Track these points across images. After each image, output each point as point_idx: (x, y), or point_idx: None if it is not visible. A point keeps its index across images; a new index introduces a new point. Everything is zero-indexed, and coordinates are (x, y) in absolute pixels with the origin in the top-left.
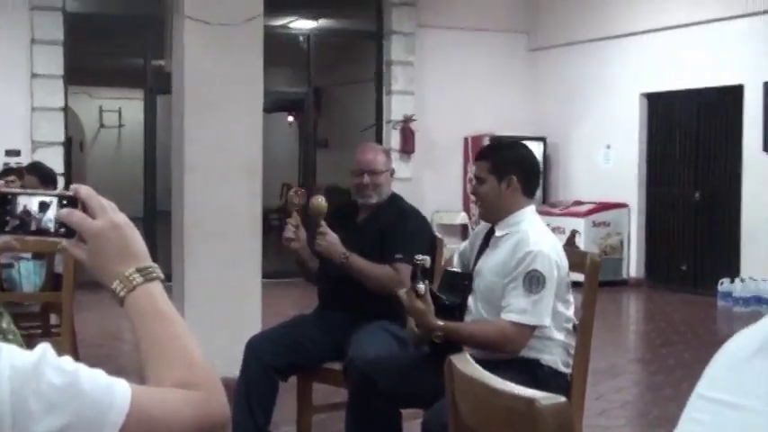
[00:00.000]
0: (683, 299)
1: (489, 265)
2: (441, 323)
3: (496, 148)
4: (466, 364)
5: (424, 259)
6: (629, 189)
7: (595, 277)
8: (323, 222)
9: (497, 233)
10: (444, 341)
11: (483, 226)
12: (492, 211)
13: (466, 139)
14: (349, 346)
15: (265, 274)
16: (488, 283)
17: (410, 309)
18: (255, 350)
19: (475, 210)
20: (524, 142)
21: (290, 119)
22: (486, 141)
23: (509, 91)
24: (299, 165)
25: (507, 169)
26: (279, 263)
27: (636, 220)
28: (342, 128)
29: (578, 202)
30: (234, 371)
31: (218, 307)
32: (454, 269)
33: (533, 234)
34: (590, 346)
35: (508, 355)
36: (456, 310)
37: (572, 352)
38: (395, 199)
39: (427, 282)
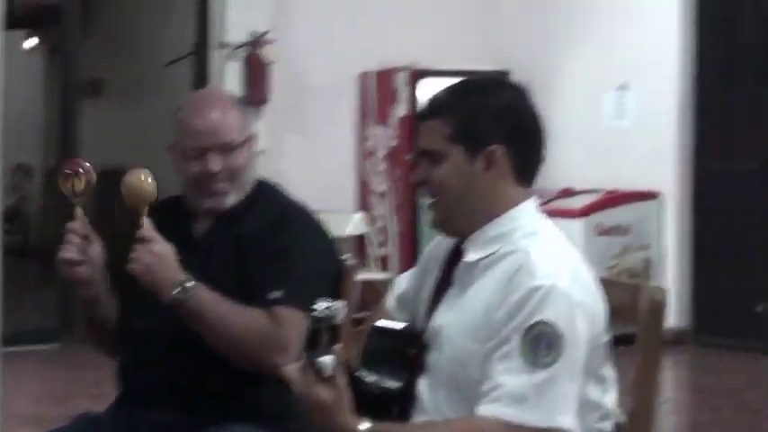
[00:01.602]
0: (760, 364)
1: (457, 318)
2: (365, 426)
3: (461, 94)
4: None
5: (332, 308)
6: (662, 166)
7: (657, 330)
8: (145, 220)
9: (469, 256)
10: None
11: (440, 243)
12: (456, 216)
13: (363, 77)
14: None
15: (18, 338)
16: (456, 351)
17: (307, 401)
18: None
19: (383, 207)
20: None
21: (31, 43)
22: (402, 79)
23: None
24: (45, 129)
25: (485, 134)
26: (30, 317)
27: (675, 224)
28: (129, 60)
29: (569, 192)
30: None
31: None
32: (388, 325)
33: (539, 254)
34: None
35: None
36: (395, 403)
37: None
38: (263, 190)
39: (337, 350)
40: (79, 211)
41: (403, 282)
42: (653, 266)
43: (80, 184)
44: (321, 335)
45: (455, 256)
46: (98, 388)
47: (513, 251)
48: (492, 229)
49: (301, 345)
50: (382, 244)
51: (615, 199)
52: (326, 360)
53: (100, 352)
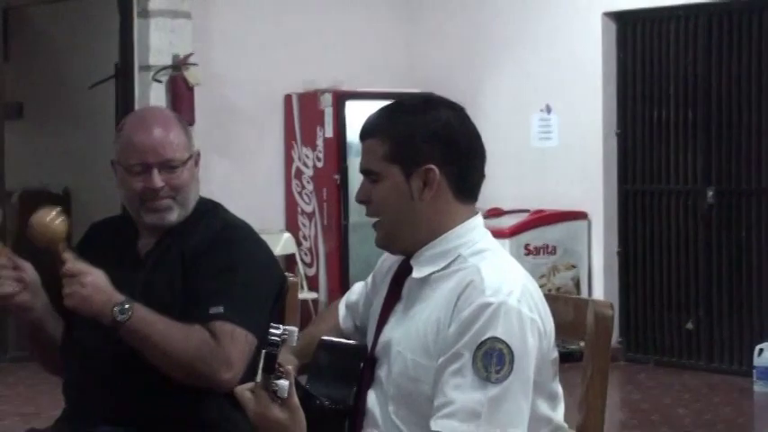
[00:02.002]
0: (688, 381)
1: (406, 332)
2: None
3: (396, 115)
4: None
5: (287, 332)
6: (589, 185)
7: (606, 347)
8: (66, 255)
9: (417, 272)
10: None
11: (390, 258)
12: (400, 234)
13: (288, 99)
14: None
15: None
16: (406, 366)
17: (262, 421)
18: None
19: (311, 228)
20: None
21: None
22: (325, 101)
23: (367, 11)
24: None
25: (420, 153)
26: None
27: (602, 243)
28: (51, 83)
29: (497, 211)
30: None
31: None
32: (338, 340)
33: (489, 271)
34: None
35: None
36: (345, 419)
37: None
38: (206, 208)
39: (291, 373)
40: None
41: (355, 291)
42: (582, 285)
43: None
44: (275, 359)
45: (403, 271)
46: (31, 407)
47: (462, 267)
48: (438, 245)
49: (245, 361)
50: (310, 264)
51: (543, 218)
52: (283, 384)
53: (46, 370)
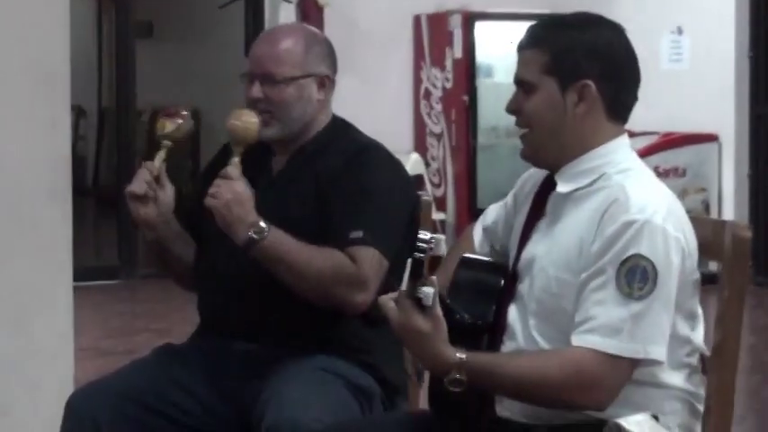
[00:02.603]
0: None
1: (549, 248)
2: (462, 356)
3: (558, 28)
4: None
5: (434, 240)
6: (720, 108)
7: (744, 268)
8: (235, 160)
9: (561, 188)
10: (467, 390)
11: (533, 174)
12: (547, 147)
13: (417, 19)
14: (264, 407)
15: (81, 274)
16: (548, 281)
17: (405, 331)
18: (83, 417)
19: (439, 149)
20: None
21: None
22: (456, 21)
23: None
24: (98, 71)
25: (579, 67)
26: (89, 255)
27: (732, 166)
28: (181, 1)
29: (627, 133)
30: None
31: None
32: (478, 257)
33: (634, 189)
34: (732, 398)
35: (584, 414)
36: (483, 334)
37: (700, 408)
38: (340, 129)
39: (435, 281)
40: (161, 153)
41: (491, 214)
42: (711, 208)
43: (170, 126)
44: (422, 265)
45: (547, 187)
46: (161, 323)
47: (607, 185)
48: (585, 162)
49: (378, 284)
50: (438, 185)
51: (673, 141)
52: (428, 290)
53: (179, 286)
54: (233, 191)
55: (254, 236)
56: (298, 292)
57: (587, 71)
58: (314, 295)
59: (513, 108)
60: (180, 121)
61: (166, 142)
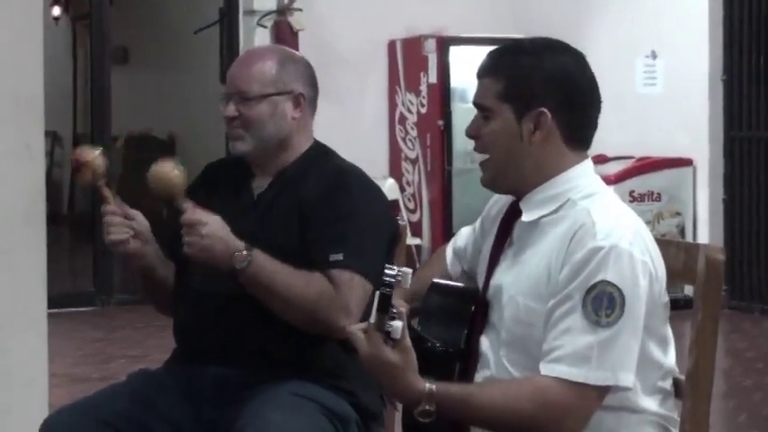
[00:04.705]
0: None
1: (517, 277)
2: (432, 386)
3: (515, 55)
4: None
5: (401, 274)
6: (695, 132)
7: (717, 291)
8: (186, 205)
9: (526, 216)
10: (440, 420)
11: (498, 199)
12: (505, 174)
13: (392, 44)
14: None
15: (56, 301)
16: (517, 310)
17: (373, 362)
18: None
19: (414, 174)
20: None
21: (56, 12)
22: (431, 46)
23: None
24: (74, 97)
25: (534, 95)
26: (64, 281)
27: (707, 190)
28: (156, 27)
29: (601, 158)
30: None
31: None
32: (448, 282)
33: (600, 214)
34: (707, 422)
35: None
36: (455, 362)
37: None
38: (321, 154)
39: (404, 314)
40: (107, 192)
41: (462, 237)
42: (686, 231)
43: (87, 174)
44: (390, 300)
45: (512, 214)
46: (136, 349)
47: (573, 211)
48: (548, 189)
49: (362, 308)
50: (413, 210)
51: (648, 165)
52: (397, 324)
53: (159, 311)
54: (204, 233)
55: (240, 264)
56: (284, 316)
57: (543, 99)
58: (299, 319)
59: (471, 133)
60: (89, 164)
61: (101, 182)
